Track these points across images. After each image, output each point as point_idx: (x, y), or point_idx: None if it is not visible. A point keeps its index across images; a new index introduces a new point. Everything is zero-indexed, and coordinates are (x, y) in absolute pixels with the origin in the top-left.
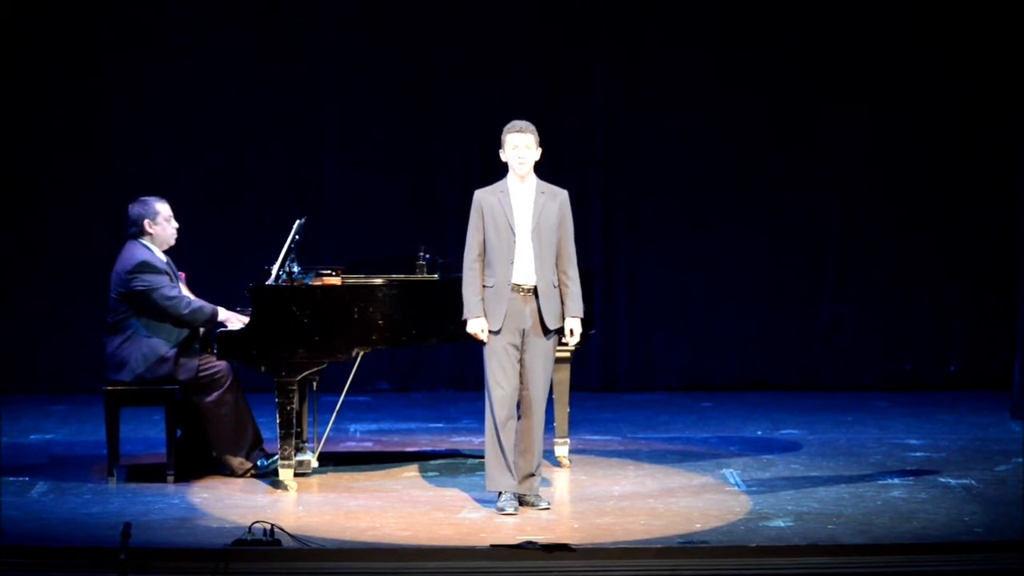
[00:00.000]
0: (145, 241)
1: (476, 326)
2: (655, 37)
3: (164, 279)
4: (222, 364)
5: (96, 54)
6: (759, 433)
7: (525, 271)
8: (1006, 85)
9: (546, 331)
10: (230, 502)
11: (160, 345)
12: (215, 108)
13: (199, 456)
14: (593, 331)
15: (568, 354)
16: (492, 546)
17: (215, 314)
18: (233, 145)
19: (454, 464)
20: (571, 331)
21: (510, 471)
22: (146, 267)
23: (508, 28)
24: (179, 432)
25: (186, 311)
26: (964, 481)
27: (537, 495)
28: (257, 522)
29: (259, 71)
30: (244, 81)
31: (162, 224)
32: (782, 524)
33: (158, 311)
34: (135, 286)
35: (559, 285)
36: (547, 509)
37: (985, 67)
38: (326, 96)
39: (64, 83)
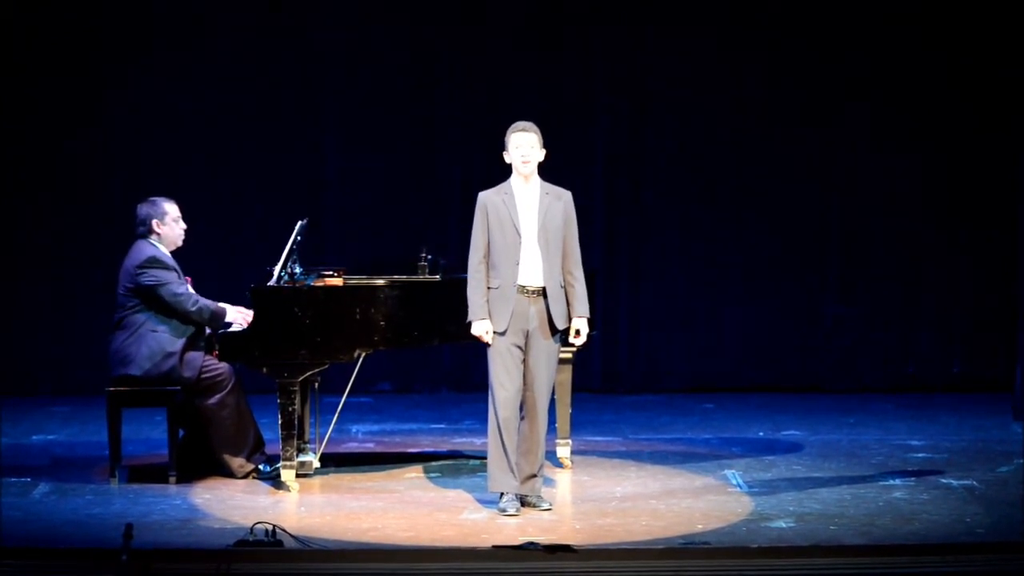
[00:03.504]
0: (153, 241)
1: (481, 328)
2: (656, 35)
3: (172, 275)
4: (224, 367)
5: (96, 54)
6: (761, 434)
7: (531, 272)
8: (1007, 86)
9: (552, 332)
10: (232, 503)
11: (166, 341)
12: (216, 109)
13: (201, 457)
14: (594, 332)
15: (570, 355)
16: (494, 547)
17: (221, 312)
18: (234, 146)
19: (456, 465)
20: (577, 332)
21: (512, 472)
22: (155, 262)
23: (508, 27)
24: (181, 433)
25: (192, 308)
26: (966, 482)
27: (539, 496)
28: (259, 523)
29: (259, 72)
30: (245, 81)
31: (170, 224)
32: (784, 525)
33: (165, 306)
34: (143, 280)
35: (565, 286)
36: (549, 510)
37: (986, 68)
38: (327, 97)
39: (64, 83)
